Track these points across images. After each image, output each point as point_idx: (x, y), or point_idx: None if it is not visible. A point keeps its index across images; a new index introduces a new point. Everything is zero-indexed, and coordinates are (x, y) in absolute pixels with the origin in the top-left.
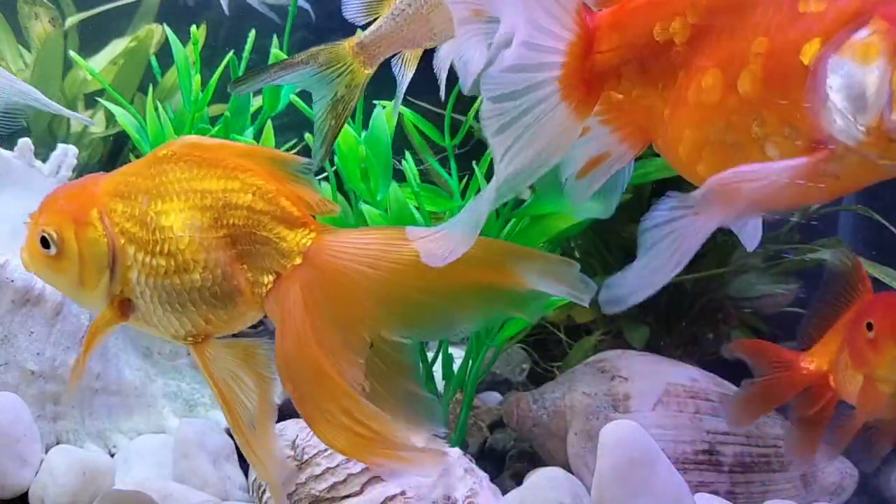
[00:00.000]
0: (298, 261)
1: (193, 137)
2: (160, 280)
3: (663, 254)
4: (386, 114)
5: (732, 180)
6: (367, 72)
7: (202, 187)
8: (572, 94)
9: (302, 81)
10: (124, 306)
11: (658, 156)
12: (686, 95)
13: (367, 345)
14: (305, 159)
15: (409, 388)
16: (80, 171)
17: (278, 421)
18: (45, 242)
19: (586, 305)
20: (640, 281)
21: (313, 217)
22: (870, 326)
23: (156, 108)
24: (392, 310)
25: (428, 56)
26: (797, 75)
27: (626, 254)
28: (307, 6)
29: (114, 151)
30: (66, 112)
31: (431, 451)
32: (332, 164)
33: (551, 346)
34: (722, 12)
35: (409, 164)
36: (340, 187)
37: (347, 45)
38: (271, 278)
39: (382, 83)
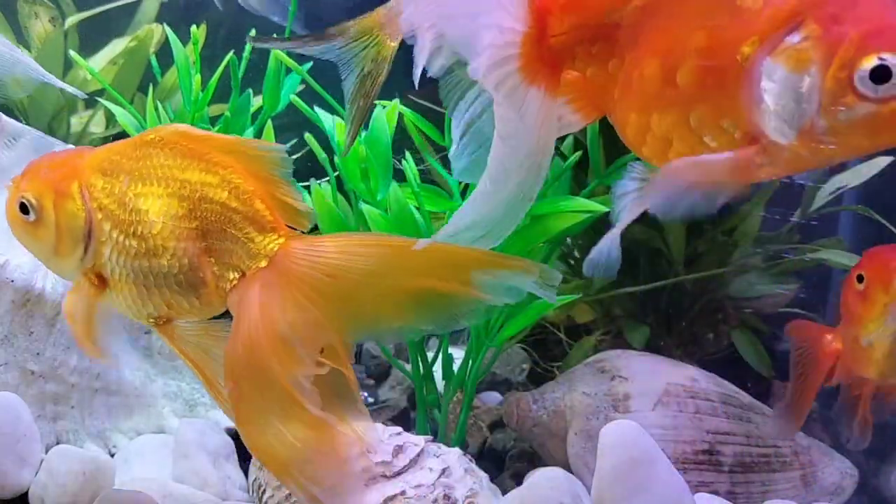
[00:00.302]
0: (264, 264)
1: (182, 126)
2: (130, 260)
3: (627, 219)
4: (386, 114)
5: (678, 169)
6: (392, 45)
7: (182, 177)
8: (537, 78)
9: (328, 53)
10: (99, 280)
11: None
12: (631, 80)
13: (318, 351)
14: (285, 158)
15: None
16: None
17: None
18: (24, 208)
19: (553, 302)
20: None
21: (284, 223)
22: (860, 279)
23: (156, 108)
24: (348, 318)
25: None
26: (733, 74)
27: (626, 253)
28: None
29: None
30: (60, 83)
31: (354, 483)
32: (332, 164)
33: (551, 346)
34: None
35: (409, 164)
36: (340, 187)
37: (376, 15)
38: (236, 275)
39: (382, 83)
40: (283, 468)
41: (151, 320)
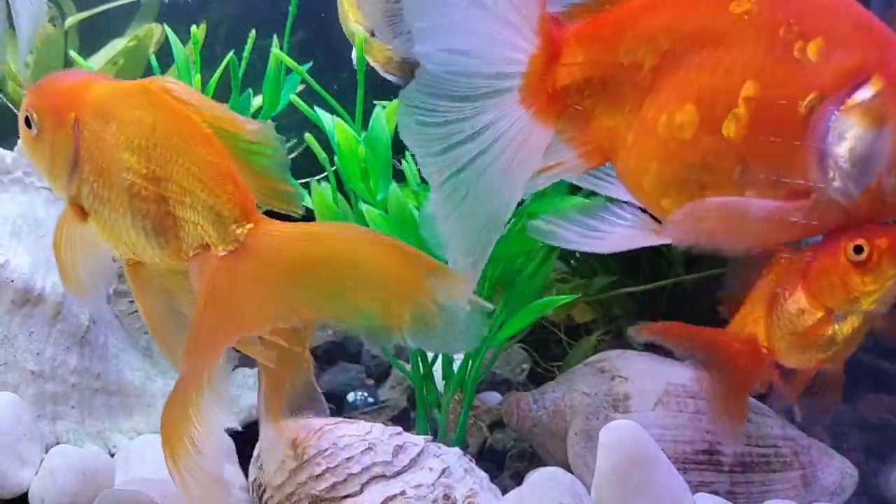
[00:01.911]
0: (231, 247)
1: (178, 83)
2: (100, 204)
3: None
4: (386, 114)
5: (709, 210)
6: None
7: (160, 139)
8: (532, 101)
9: None
10: (81, 210)
11: None
12: (654, 126)
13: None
14: (268, 141)
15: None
16: None
17: None
18: (28, 121)
19: (486, 322)
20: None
21: (257, 206)
22: (858, 249)
23: None
24: (303, 305)
25: None
26: (791, 126)
27: (626, 253)
28: None
29: None
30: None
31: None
32: (332, 164)
33: (551, 346)
34: (700, 44)
35: (408, 164)
36: (340, 187)
37: None
38: (199, 246)
39: (382, 83)
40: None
41: (124, 259)
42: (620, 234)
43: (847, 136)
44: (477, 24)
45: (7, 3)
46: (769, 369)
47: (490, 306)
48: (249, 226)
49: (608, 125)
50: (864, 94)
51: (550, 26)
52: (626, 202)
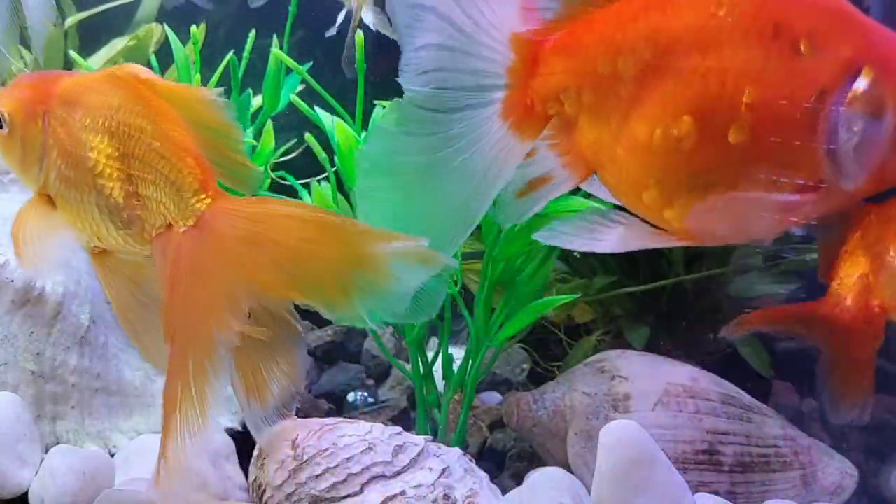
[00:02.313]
0: (191, 223)
1: (139, 67)
2: (66, 188)
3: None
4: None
5: (728, 207)
6: None
7: (122, 119)
8: (510, 113)
9: None
10: (49, 200)
11: None
12: (649, 140)
13: (241, 312)
14: (228, 105)
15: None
16: None
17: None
18: (2, 121)
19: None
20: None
21: (217, 182)
22: None
23: None
24: (262, 279)
25: None
26: (798, 126)
27: (626, 253)
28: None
29: None
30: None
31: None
32: (332, 164)
33: (551, 346)
34: (686, 52)
35: None
36: (340, 187)
37: None
38: (163, 224)
39: (383, 84)
40: (167, 417)
41: (89, 247)
42: (621, 234)
43: (855, 129)
44: (453, 41)
45: (12, 5)
46: (882, 329)
47: (453, 262)
48: (208, 200)
49: (591, 137)
50: (862, 85)
51: (525, 40)
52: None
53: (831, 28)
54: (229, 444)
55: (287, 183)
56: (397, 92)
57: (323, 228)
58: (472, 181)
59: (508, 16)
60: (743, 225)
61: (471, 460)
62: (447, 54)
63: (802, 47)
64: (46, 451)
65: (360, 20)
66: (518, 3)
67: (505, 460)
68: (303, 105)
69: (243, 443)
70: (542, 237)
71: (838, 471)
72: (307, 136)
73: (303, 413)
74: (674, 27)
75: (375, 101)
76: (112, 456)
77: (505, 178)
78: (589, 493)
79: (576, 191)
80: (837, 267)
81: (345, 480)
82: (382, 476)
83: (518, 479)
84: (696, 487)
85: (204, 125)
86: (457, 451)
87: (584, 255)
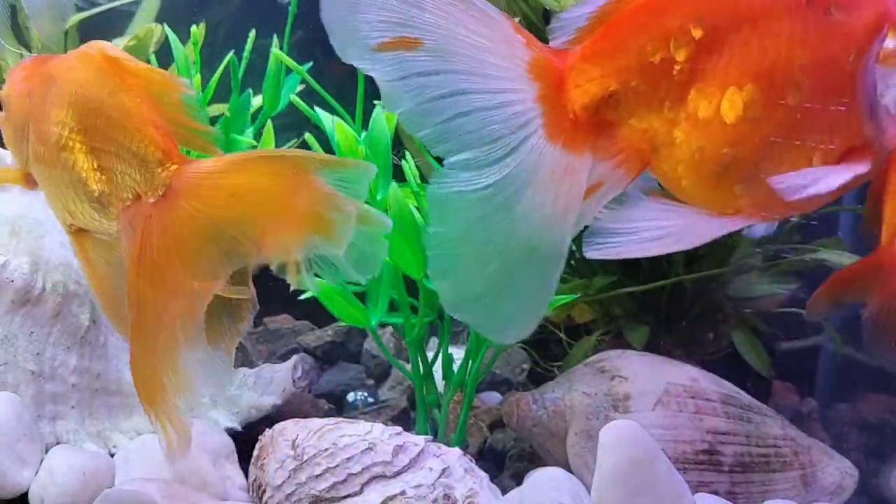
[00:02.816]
0: (160, 192)
1: (106, 44)
2: (38, 163)
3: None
4: (386, 114)
5: (799, 183)
6: None
7: (84, 92)
8: (557, 134)
9: None
10: (32, 179)
11: None
12: (715, 113)
13: (223, 275)
14: (187, 91)
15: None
16: None
17: (277, 422)
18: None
19: (385, 232)
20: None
21: (180, 151)
22: None
23: None
24: (236, 240)
25: None
26: (842, 87)
27: None
28: None
29: None
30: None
31: (180, 439)
32: None
33: (551, 346)
34: (735, 24)
35: (408, 164)
36: None
37: None
38: (129, 197)
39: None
40: (151, 397)
41: (66, 226)
42: (682, 225)
43: (891, 83)
44: (473, 97)
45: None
46: None
47: (388, 220)
48: (174, 167)
49: (642, 128)
50: (891, 43)
51: (543, 62)
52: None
53: None
54: (229, 444)
55: None
56: None
57: (281, 163)
58: (548, 215)
59: (511, 47)
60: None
61: (471, 460)
62: (467, 119)
63: (837, 10)
64: (46, 451)
65: None
66: (512, 31)
67: (505, 460)
68: (303, 105)
69: (243, 443)
70: (594, 252)
71: (838, 471)
72: (307, 136)
73: (303, 413)
74: (720, 3)
75: (375, 102)
76: (112, 456)
77: (578, 196)
78: (589, 493)
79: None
80: (884, 213)
81: (345, 480)
82: (382, 476)
83: (518, 479)
84: (696, 487)
85: (162, 99)
86: (457, 451)
87: (584, 254)
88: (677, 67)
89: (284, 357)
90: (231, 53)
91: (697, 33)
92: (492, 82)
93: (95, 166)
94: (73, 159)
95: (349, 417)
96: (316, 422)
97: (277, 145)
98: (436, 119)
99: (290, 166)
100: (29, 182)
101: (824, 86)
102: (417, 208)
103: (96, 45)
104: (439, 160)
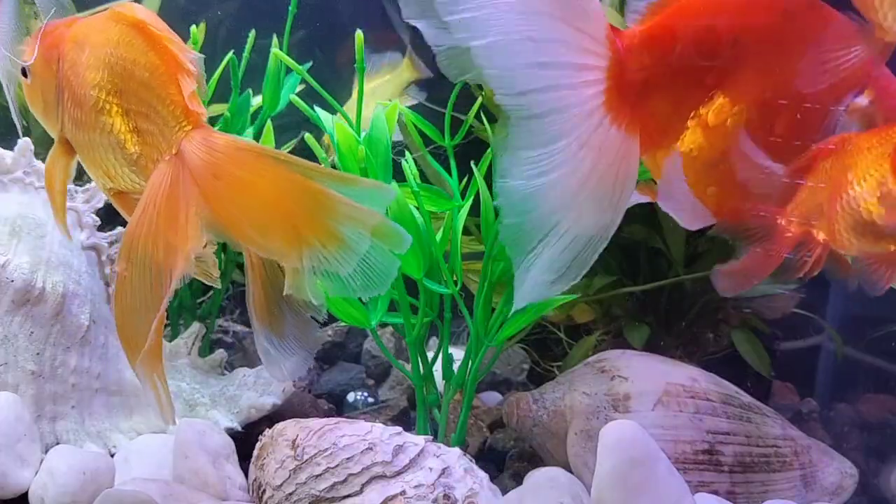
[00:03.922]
0: (174, 150)
1: (141, 9)
2: (75, 129)
3: None
4: (386, 114)
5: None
6: None
7: (117, 53)
8: (618, 116)
9: None
10: (69, 145)
11: None
12: (719, 121)
13: (199, 242)
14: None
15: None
16: (80, 170)
17: (277, 422)
18: (24, 72)
19: (399, 252)
20: None
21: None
22: None
23: None
24: (222, 217)
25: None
26: (816, 124)
27: (626, 253)
28: None
29: None
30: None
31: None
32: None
33: (551, 346)
34: (759, 48)
35: (409, 164)
36: None
37: None
38: (159, 157)
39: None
40: (137, 356)
41: (105, 189)
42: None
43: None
44: (548, 54)
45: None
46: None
47: (407, 235)
48: (188, 128)
49: (667, 117)
50: (862, 101)
51: (612, 39)
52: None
53: (836, 40)
54: (229, 444)
55: None
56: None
57: (288, 172)
58: (606, 197)
59: (599, 17)
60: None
61: (471, 460)
62: (547, 72)
63: (831, 61)
64: (46, 451)
65: None
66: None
67: (505, 460)
68: (303, 105)
69: (243, 443)
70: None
71: (838, 471)
72: (307, 136)
73: (303, 413)
74: (750, 18)
75: (375, 102)
76: (112, 456)
77: (633, 177)
78: (589, 493)
79: None
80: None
81: (345, 480)
82: (382, 476)
83: (518, 479)
84: (696, 487)
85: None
86: (457, 451)
87: None
88: (713, 70)
89: None
90: (231, 53)
91: (728, 47)
92: (570, 43)
93: (131, 128)
94: (111, 122)
95: (349, 417)
96: (316, 422)
97: (277, 145)
98: (517, 60)
99: (300, 175)
100: (67, 148)
101: (803, 120)
102: (417, 208)
103: (127, 5)
104: (439, 159)
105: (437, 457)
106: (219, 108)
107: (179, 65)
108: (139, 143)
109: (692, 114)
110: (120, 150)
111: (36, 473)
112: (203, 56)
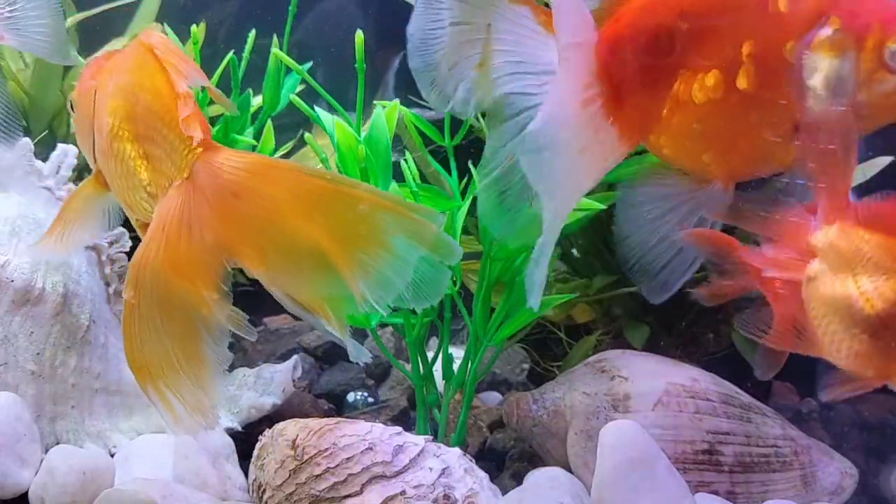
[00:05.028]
0: (185, 175)
1: (153, 33)
2: (100, 158)
3: None
4: (386, 114)
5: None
6: None
7: (133, 79)
8: (613, 113)
9: None
10: (103, 178)
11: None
12: (689, 95)
13: (225, 270)
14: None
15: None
16: (80, 171)
17: (277, 422)
18: (72, 106)
19: (451, 263)
20: None
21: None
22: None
23: None
24: (252, 242)
25: None
26: (783, 71)
27: None
28: None
29: None
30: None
31: (195, 420)
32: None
33: (551, 346)
34: (709, 18)
35: (408, 164)
36: None
37: None
38: (168, 184)
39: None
40: (151, 378)
41: (135, 222)
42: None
43: (819, 67)
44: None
45: None
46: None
47: (458, 247)
48: (198, 150)
49: (642, 105)
50: (825, 31)
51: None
52: None
53: None
54: (229, 444)
55: None
56: (396, 91)
57: (321, 187)
58: (577, 184)
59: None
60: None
61: (471, 460)
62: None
63: (783, 3)
64: (46, 451)
65: None
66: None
67: (505, 460)
68: (303, 105)
69: (243, 443)
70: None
71: (838, 471)
72: (307, 136)
73: (303, 413)
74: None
75: (375, 101)
76: (112, 456)
77: (605, 168)
78: (589, 493)
79: None
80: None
81: (345, 480)
82: (382, 476)
83: (518, 479)
84: (696, 487)
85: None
86: (457, 451)
87: (584, 254)
88: (671, 58)
89: (284, 357)
90: (231, 53)
91: (685, 24)
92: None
93: (141, 153)
94: (122, 148)
95: (349, 417)
96: (316, 422)
97: (277, 145)
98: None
99: (346, 186)
100: (100, 181)
101: (769, 72)
102: None
103: (145, 33)
104: (440, 159)
105: (437, 457)
106: (219, 108)
107: (175, 89)
108: (149, 170)
109: (670, 94)
110: (133, 176)
111: (36, 473)
112: (204, 84)
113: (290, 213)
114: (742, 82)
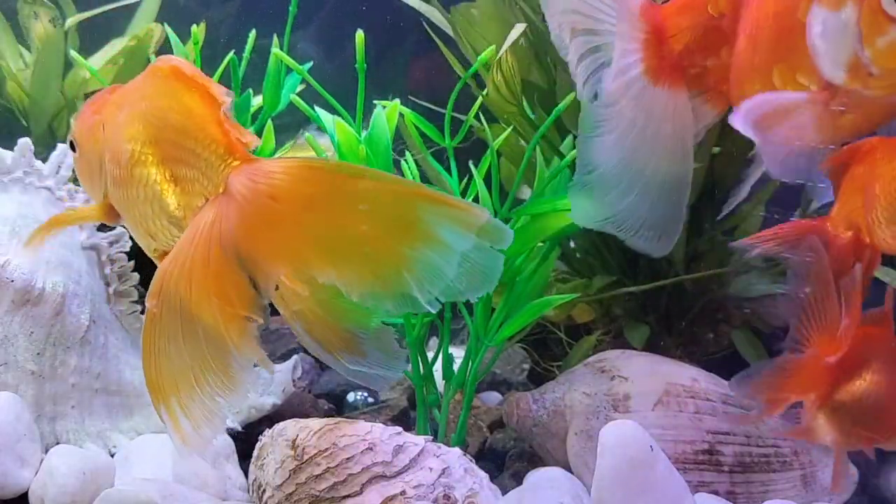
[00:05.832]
0: (221, 189)
1: (172, 57)
2: (115, 189)
3: None
4: (386, 114)
5: (758, 104)
6: None
7: (155, 103)
8: (660, 78)
9: None
10: (113, 212)
11: None
12: (738, 59)
13: (271, 283)
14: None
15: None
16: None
17: (277, 422)
18: (72, 145)
19: (502, 247)
20: None
21: (244, 147)
22: None
23: None
24: (301, 250)
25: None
26: (799, 30)
27: (626, 253)
28: None
29: None
30: None
31: (203, 439)
32: None
33: (551, 346)
34: None
35: (409, 164)
36: None
37: None
38: (202, 203)
39: (382, 83)
40: (163, 394)
41: (151, 252)
42: None
43: (820, 22)
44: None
45: None
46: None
47: (509, 231)
48: (235, 163)
49: (718, 72)
50: None
51: (649, 12)
52: None
53: None
54: (229, 444)
55: None
56: (396, 91)
57: (369, 185)
58: (669, 148)
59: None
60: (779, 123)
61: (471, 460)
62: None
63: None
64: (46, 451)
65: None
66: None
67: (505, 460)
68: (303, 105)
69: (243, 443)
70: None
71: None
72: (307, 135)
73: (303, 413)
74: None
75: (375, 101)
76: (112, 456)
77: (690, 129)
78: (589, 493)
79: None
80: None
81: (345, 480)
82: (382, 476)
83: (518, 479)
84: (696, 487)
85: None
86: (457, 451)
87: (584, 254)
88: (727, 20)
89: (284, 357)
90: (231, 53)
91: None
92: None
93: (168, 177)
94: (146, 173)
95: (349, 417)
96: (316, 422)
97: (277, 145)
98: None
99: (392, 184)
100: (110, 215)
101: (787, 29)
102: None
103: (164, 59)
104: (440, 159)
105: (437, 457)
106: None
107: (215, 101)
108: (177, 193)
109: (726, 55)
110: (157, 201)
111: (36, 473)
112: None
113: (335, 214)
114: (769, 39)
